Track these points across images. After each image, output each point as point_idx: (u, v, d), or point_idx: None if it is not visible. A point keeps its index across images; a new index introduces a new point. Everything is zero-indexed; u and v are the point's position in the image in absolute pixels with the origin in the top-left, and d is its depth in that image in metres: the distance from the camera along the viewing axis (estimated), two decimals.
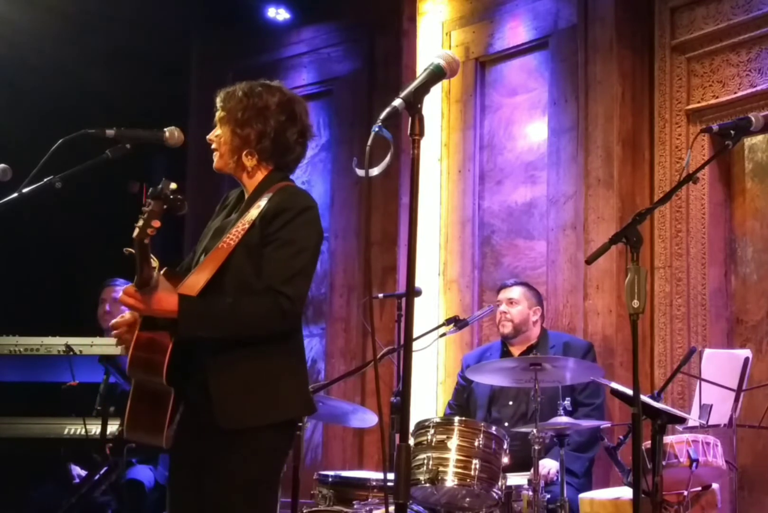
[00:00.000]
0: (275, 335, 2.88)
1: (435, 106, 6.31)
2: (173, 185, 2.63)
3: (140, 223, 2.62)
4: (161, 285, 2.74)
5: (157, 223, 2.61)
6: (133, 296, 2.73)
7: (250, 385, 2.85)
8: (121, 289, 4.21)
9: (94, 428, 4.80)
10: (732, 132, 3.40)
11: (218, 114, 3.04)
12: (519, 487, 4.29)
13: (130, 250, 2.78)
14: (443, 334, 4.92)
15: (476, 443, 4.14)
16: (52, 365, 5.11)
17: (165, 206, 2.63)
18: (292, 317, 2.87)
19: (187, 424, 2.91)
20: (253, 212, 2.92)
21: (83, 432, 4.92)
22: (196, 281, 2.84)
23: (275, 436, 2.90)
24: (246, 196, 3.06)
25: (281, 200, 2.93)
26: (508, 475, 4.26)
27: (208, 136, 3.06)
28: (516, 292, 5.16)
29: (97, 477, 5.06)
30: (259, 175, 3.04)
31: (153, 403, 2.80)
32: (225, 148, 3.02)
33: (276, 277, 2.83)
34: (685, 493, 4.13)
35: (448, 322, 4.80)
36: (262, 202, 2.93)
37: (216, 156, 3.05)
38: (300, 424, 4.20)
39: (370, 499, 4.28)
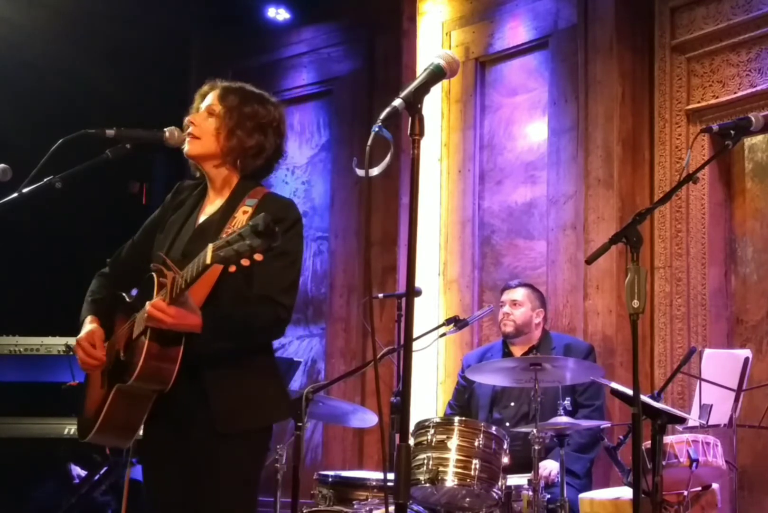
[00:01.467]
0: (266, 343, 3.00)
1: (435, 106, 6.31)
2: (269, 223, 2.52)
3: (227, 252, 2.51)
4: (190, 302, 2.76)
5: (260, 257, 2.51)
6: (165, 311, 2.72)
7: (243, 390, 2.90)
8: None
9: None
10: (732, 132, 3.40)
11: (214, 106, 3.01)
12: (519, 487, 4.29)
13: (159, 266, 2.75)
14: (443, 334, 4.91)
15: (476, 443, 4.14)
16: (52, 365, 5.12)
17: (270, 244, 2.53)
18: (286, 325, 2.96)
19: (172, 426, 2.91)
20: (241, 218, 2.89)
21: None
22: (199, 289, 2.82)
23: (262, 438, 2.96)
24: (211, 194, 3.05)
25: (275, 210, 2.90)
26: (509, 476, 4.26)
27: (189, 119, 3.01)
28: (520, 293, 5.15)
29: (97, 477, 5.07)
30: (234, 178, 3.03)
31: (132, 406, 2.83)
32: (215, 145, 2.99)
33: (273, 287, 2.87)
34: (685, 493, 4.13)
35: (448, 322, 4.80)
36: (249, 208, 2.91)
37: (194, 142, 3.00)
38: (299, 424, 4.20)
39: (370, 499, 4.28)
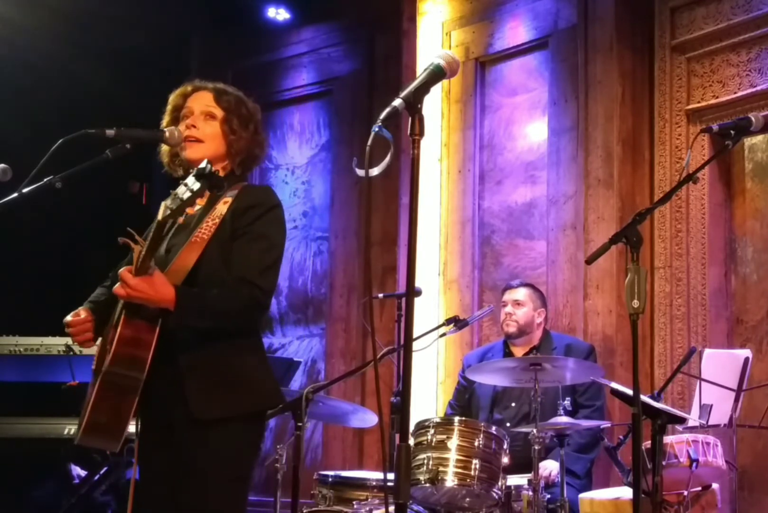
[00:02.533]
0: (245, 327, 2.94)
1: (435, 106, 6.31)
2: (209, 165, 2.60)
3: (174, 203, 2.54)
4: (156, 274, 2.73)
5: (201, 202, 2.59)
6: (127, 281, 2.69)
7: (222, 377, 2.87)
8: None
9: None
10: (732, 132, 3.40)
11: (213, 108, 3.02)
12: (519, 487, 4.29)
13: (126, 240, 2.75)
14: (443, 334, 4.91)
15: (476, 443, 4.14)
16: (52, 365, 5.12)
17: (209, 185, 2.57)
18: (264, 309, 2.93)
19: (156, 419, 2.91)
20: (221, 208, 2.92)
21: None
22: (175, 275, 2.83)
23: (247, 430, 2.92)
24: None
25: (251, 196, 2.96)
26: (509, 476, 4.26)
27: (189, 122, 3.01)
28: (521, 293, 5.15)
29: (97, 477, 5.06)
30: (223, 174, 3.04)
31: (117, 402, 2.79)
32: (222, 148, 3.01)
33: (249, 269, 2.85)
34: (685, 493, 4.13)
35: (448, 322, 4.79)
36: (229, 199, 2.94)
37: (196, 146, 3.00)
38: (299, 424, 4.19)
39: (370, 499, 4.28)
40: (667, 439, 4.02)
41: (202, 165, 2.56)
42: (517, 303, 5.13)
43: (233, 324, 2.88)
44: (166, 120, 3.11)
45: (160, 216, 2.57)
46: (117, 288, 2.72)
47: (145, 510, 2.97)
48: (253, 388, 2.92)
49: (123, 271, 2.71)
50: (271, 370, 3.06)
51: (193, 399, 2.82)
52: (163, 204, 2.57)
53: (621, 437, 4.18)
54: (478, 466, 4.08)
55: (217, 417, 2.83)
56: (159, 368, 2.80)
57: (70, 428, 5.01)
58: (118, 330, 2.76)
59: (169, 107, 3.12)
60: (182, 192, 2.55)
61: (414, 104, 2.37)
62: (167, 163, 3.12)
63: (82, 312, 2.99)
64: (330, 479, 4.46)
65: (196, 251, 2.85)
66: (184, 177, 3.12)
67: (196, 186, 2.54)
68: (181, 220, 2.79)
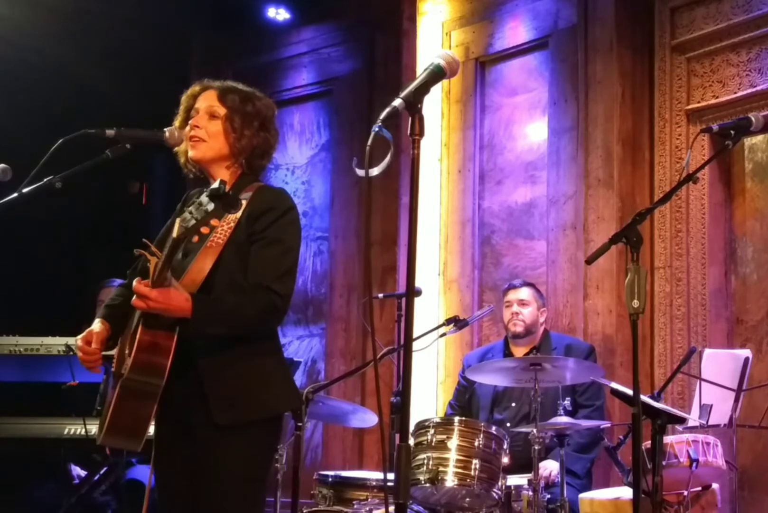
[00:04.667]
0: (264, 331, 2.96)
1: (435, 106, 6.31)
2: (226, 186, 2.60)
3: (190, 222, 2.55)
4: (174, 285, 2.74)
5: (216, 222, 2.58)
6: (146, 294, 2.70)
7: (243, 381, 2.88)
8: None
9: (94, 428, 4.81)
10: (732, 132, 3.40)
11: (216, 107, 3.02)
12: (519, 487, 4.29)
13: (142, 251, 2.77)
14: (443, 334, 4.91)
15: (476, 443, 4.14)
16: (52, 365, 5.12)
17: (223, 205, 2.57)
18: (282, 314, 2.95)
19: (175, 423, 2.92)
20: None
21: (83, 432, 4.94)
22: (192, 280, 2.84)
23: (265, 433, 2.93)
24: None
25: (266, 199, 2.96)
26: (509, 476, 4.26)
27: (192, 122, 3.01)
28: (526, 293, 5.16)
29: (97, 477, 5.07)
30: (235, 175, 3.05)
31: (137, 406, 2.80)
32: (225, 147, 3.01)
33: (267, 274, 2.87)
34: (685, 493, 4.13)
35: (448, 322, 4.80)
36: (243, 202, 2.93)
37: (200, 146, 3.00)
38: (299, 424, 4.20)
39: (370, 499, 4.28)
40: (667, 439, 4.02)
41: (215, 185, 2.56)
42: (522, 302, 5.13)
43: (250, 330, 2.90)
44: (178, 121, 3.10)
45: (175, 234, 2.58)
46: (135, 300, 2.73)
47: (162, 512, 2.97)
48: (272, 392, 2.94)
49: (138, 285, 2.72)
50: (289, 372, 3.08)
51: (214, 404, 2.84)
52: (178, 221, 2.57)
53: (621, 437, 4.18)
54: (478, 466, 4.08)
55: (237, 422, 2.85)
56: (179, 372, 2.81)
57: (70, 428, 5.01)
58: (137, 337, 2.77)
59: (181, 108, 3.12)
60: (196, 211, 2.55)
61: (414, 104, 2.37)
62: (184, 163, 3.11)
63: (94, 335, 2.93)
64: (330, 479, 4.46)
65: (212, 256, 2.86)
66: (197, 181, 3.12)
67: (210, 206, 2.54)
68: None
